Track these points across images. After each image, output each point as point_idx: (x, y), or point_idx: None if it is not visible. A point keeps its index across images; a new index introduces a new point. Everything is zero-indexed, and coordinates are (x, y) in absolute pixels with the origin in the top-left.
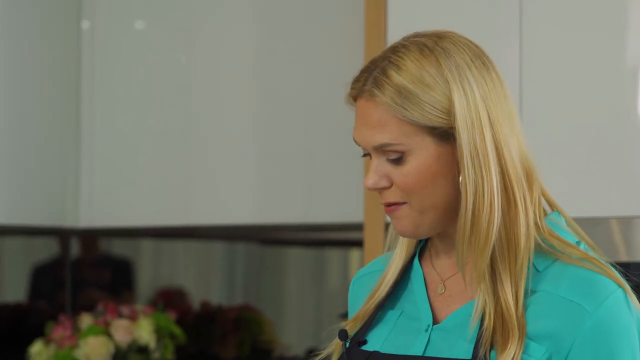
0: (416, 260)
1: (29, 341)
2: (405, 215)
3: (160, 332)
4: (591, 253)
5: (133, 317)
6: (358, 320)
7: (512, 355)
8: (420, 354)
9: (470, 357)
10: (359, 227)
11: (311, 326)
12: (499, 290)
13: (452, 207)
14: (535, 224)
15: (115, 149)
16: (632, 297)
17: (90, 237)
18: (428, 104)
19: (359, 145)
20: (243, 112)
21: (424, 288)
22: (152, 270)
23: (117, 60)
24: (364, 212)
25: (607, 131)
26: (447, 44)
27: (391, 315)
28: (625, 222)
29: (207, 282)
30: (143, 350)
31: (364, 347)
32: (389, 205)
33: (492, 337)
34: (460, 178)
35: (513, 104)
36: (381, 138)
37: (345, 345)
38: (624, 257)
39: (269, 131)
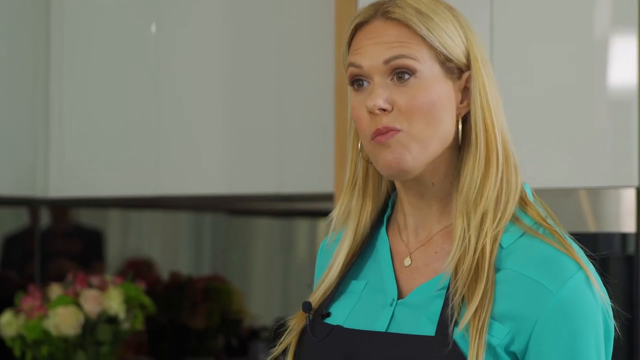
0: (383, 230)
1: None
2: (399, 143)
3: (130, 303)
4: (557, 230)
5: (103, 288)
6: (320, 293)
7: (478, 321)
8: (384, 330)
9: (433, 334)
10: (328, 197)
11: (279, 296)
12: (480, 242)
13: (447, 144)
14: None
15: (85, 120)
16: (593, 279)
17: (60, 207)
18: (447, 34)
19: (357, 70)
20: (213, 82)
21: (390, 260)
22: (120, 240)
23: (86, 30)
24: (334, 182)
25: (577, 102)
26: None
27: (356, 286)
28: (594, 193)
29: (175, 252)
30: (113, 320)
31: (328, 320)
32: (384, 131)
33: (459, 306)
34: (469, 118)
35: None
36: (399, 50)
37: (309, 317)
38: (592, 228)
39: (240, 101)
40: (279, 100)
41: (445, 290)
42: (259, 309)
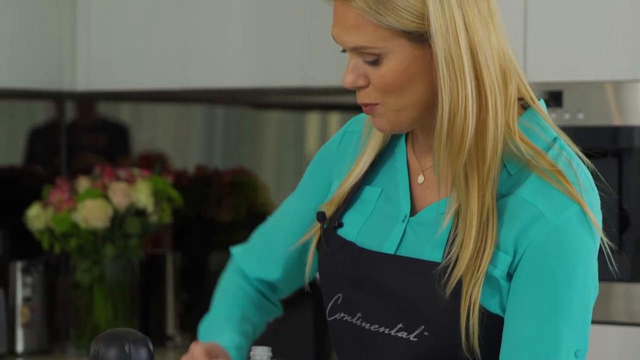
0: (402, 140)
1: (25, 205)
2: (381, 114)
3: (157, 196)
4: (567, 151)
5: (130, 181)
6: (334, 201)
7: (478, 265)
8: (393, 252)
9: (439, 260)
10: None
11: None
12: (469, 196)
13: (430, 104)
14: (508, 126)
15: (112, 12)
16: (590, 214)
17: (86, 100)
18: (403, 8)
19: (337, 43)
20: None
21: (407, 174)
22: (147, 134)
23: None
24: None
25: None
26: None
27: (371, 194)
28: (619, 86)
29: (205, 145)
30: (141, 213)
31: (341, 231)
32: (364, 105)
33: (462, 254)
34: (436, 83)
35: None
36: (357, 40)
37: (323, 227)
38: (617, 121)
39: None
40: None
41: (454, 217)
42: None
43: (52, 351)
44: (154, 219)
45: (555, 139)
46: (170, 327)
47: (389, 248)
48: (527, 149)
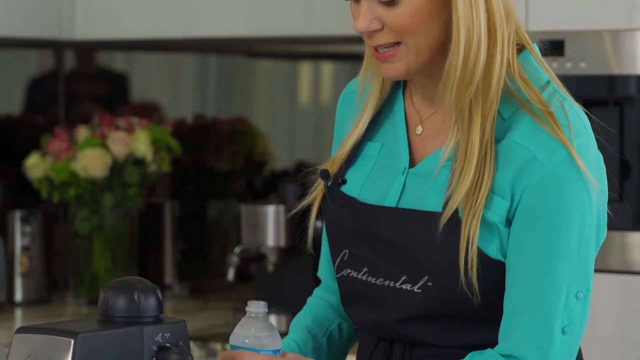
0: (400, 93)
1: (24, 154)
2: (400, 57)
3: (156, 145)
4: (559, 93)
5: (130, 130)
6: (337, 159)
7: (475, 206)
8: (394, 205)
9: (440, 210)
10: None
11: (304, 139)
12: (471, 129)
13: (443, 45)
14: (508, 64)
15: None
16: (577, 158)
17: (85, 49)
18: None
19: None
20: None
21: (405, 126)
22: (144, 83)
23: None
24: None
25: None
26: None
27: (372, 149)
28: (617, 34)
29: (199, 95)
30: (140, 162)
31: (344, 187)
32: (381, 48)
33: (460, 185)
34: (453, 17)
35: None
36: None
37: (327, 185)
38: (615, 70)
39: None
40: None
41: (452, 156)
42: (279, 151)
43: (50, 300)
44: (152, 168)
45: (548, 82)
46: (169, 276)
47: (390, 201)
48: (525, 87)
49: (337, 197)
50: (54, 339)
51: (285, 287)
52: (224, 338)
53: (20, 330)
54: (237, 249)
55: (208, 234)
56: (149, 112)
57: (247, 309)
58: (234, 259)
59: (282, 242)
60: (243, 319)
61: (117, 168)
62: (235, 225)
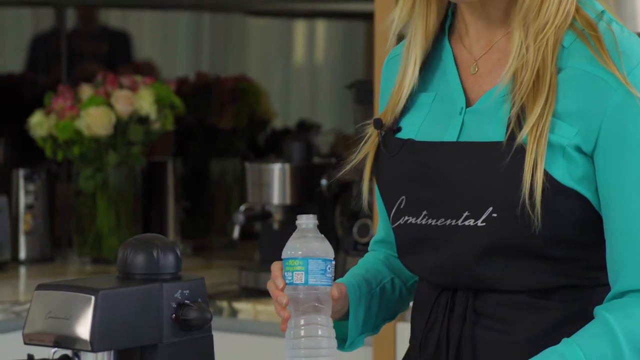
0: (445, 39)
1: (27, 113)
2: None
3: (160, 103)
4: (615, 22)
5: (133, 88)
6: (390, 108)
7: (540, 126)
8: (455, 140)
9: (502, 139)
10: None
11: (302, 96)
12: (536, 58)
13: None
14: None
15: None
16: (632, 89)
17: (87, 8)
18: None
19: None
20: None
21: (455, 69)
22: (138, 41)
23: None
24: None
25: None
26: None
27: (425, 99)
28: None
29: (197, 52)
30: (144, 120)
31: (399, 135)
32: None
33: (523, 110)
34: None
35: None
36: None
37: (381, 134)
38: None
39: None
40: None
41: (510, 96)
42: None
43: (54, 258)
44: (156, 126)
45: (602, 12)
46: (171, 235)
47: (450, 137)
48: (580, 18)
49: (392, 144)
50: (75, 296)
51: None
52: (230, 296)
53: (41, 287)
54: (242, 207)
55: (210, 192)
56: (148, 71)
57: (297, 222)
58: (239, 217)
59: (288, 200)
60: (294, 232)
61: (121, 126)
62: (238, 184)
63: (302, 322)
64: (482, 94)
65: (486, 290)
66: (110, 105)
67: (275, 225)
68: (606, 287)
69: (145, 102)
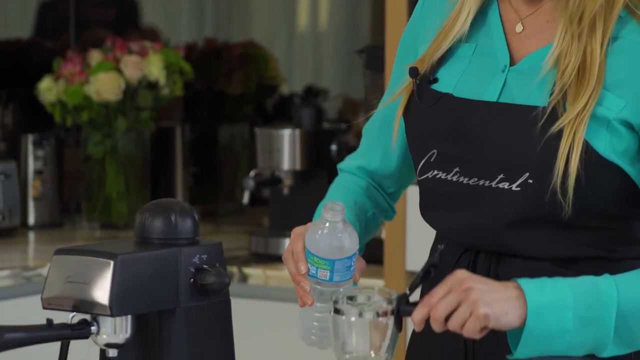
0: None
1: (35, 78)
2: None
3: (169, 68)
4: None
5: (142, 54)
6: (428, 56)
7: (583, 104)
8: (495, 100)
9: (545, 105)
10: None
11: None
12: (586, 35)
13: None
14: None
15: None
16: None
17: None
18: None
19: None
20: None
21: (500, 24)
22: (153, 6)
23: None
24: None
25: None
26: None
27: (465, 50)
28: None
29: (202, 18)
30: (153, 86)
31: (436, 86)
32: None
33: (568, 84)
34: None
35: None
36: None
37: (416, 82)
38: None
39: None
40: None
41: (556, 62)
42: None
43: (63, 224)
44: (165, 91)
45: None
46: (180, 200)
47: (490, 97)
48: None
49: (428, 95)
50: (94, 260)
51: (299, 211)
52: (240, 261)
53: (59, 251)
54: (252, 173)
55: (219, 157)
56: (154, 36)
57: (323, 214)
58: (249, 183)
59: (298, 166)
60: (320, 221)
61: (130, 92)
62: (246, 149)
63: (319, 306)
64: (526, 55)
65: (509, 255)
66: (119, 71)
67: (285, 191)
68: (631, 261)
69: (154, 67)
